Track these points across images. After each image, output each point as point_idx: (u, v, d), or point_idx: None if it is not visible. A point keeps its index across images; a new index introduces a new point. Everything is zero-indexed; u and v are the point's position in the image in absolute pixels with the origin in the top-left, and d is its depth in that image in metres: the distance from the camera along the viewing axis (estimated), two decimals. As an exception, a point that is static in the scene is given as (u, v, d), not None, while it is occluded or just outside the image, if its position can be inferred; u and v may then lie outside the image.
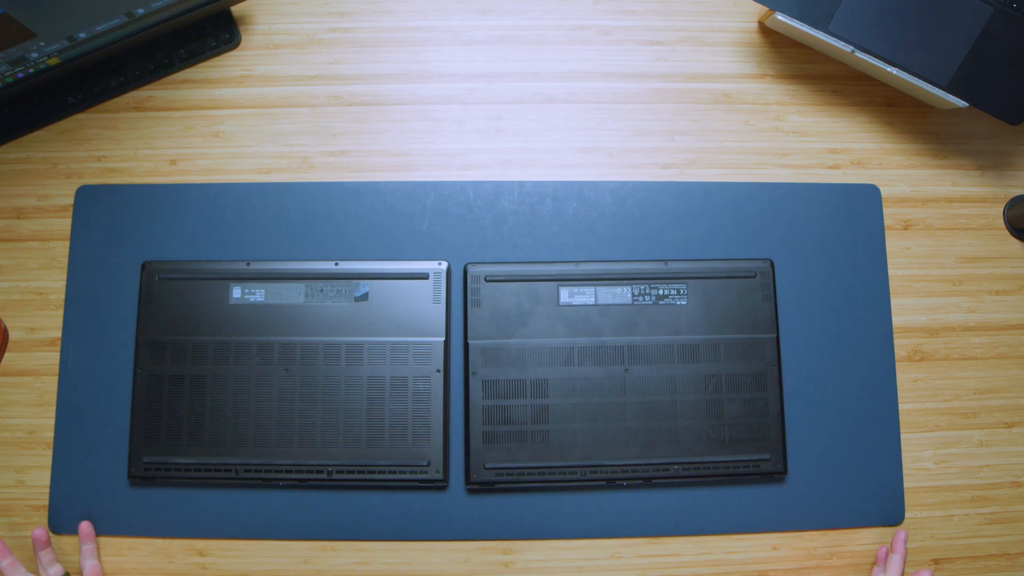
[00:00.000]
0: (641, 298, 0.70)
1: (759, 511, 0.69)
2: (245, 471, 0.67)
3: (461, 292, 0.71)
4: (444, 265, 0.71)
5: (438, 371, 0.69)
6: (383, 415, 0.68)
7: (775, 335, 0.70)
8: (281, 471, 0.67)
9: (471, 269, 0.71)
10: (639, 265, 0.71)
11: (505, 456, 0.68)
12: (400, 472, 0.67)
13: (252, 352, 0.69)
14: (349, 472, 0.67)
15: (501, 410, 0.68)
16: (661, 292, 0.70)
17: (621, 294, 0.70)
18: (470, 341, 0.69)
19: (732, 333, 0.70)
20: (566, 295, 0.70)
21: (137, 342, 0.69)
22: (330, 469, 0.67)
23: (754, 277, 0.71)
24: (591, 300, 0.70)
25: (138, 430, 0.68)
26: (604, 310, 0.70)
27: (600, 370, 0.69)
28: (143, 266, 0.71)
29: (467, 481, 0.68)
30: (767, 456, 0.68)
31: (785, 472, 0.69)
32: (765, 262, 0.72)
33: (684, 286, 0.70)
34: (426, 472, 0.67)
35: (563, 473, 0.68)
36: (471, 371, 0.69)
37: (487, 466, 0.67)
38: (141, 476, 0.67)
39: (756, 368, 0.69)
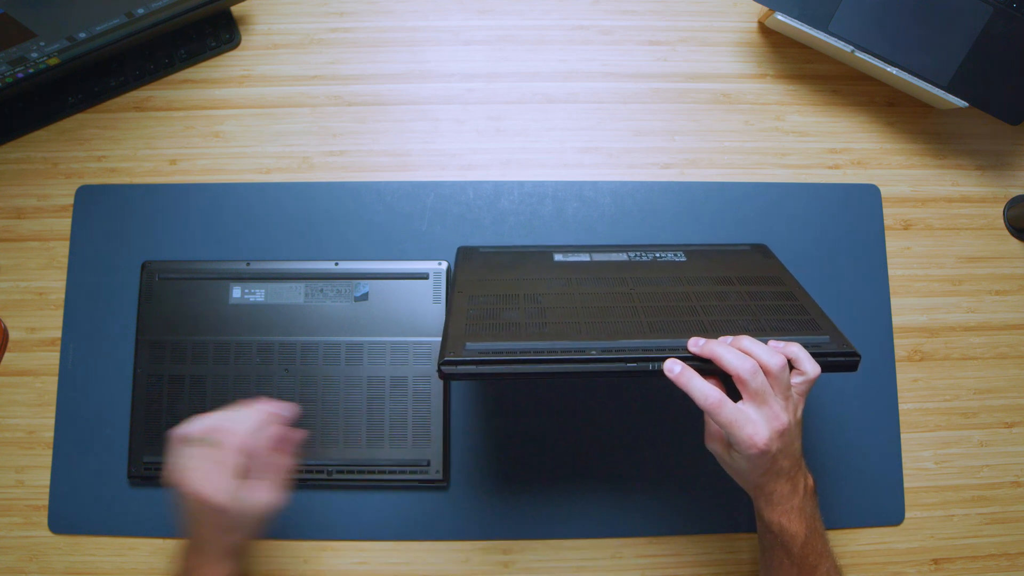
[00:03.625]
0: (637, 258, 0.66)
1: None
2: None
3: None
4: (444, 265, 0.71)
5: None
6: (383, 415, 0.68)
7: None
8: None
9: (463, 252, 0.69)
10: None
11: (492, 338, 0.53)
12: (400, 472, 0.67)
13: (252, 352, 0.69)
14: (349, 472, 0.67)
15: (489, 312, 0.56)
16: (657, 255, 0.67)
17: (616, 256, 0.67)
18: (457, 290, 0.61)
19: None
20: (559, 256, 0.67)
21: (137, 342, 0.69)
22: (330, 469, 0.67)
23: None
24: (586, 258, 0.66)
25: (138, 430, 0.68)
26: (601, 265, 0.65)
27: (600, 288, 0.60)
28: (143, 266, 0.71)
29: (441, 362, 0.51)
30: None
31: None
32: (760, 247, 0.70)
33: (680, 251, 0.68)
34: (426, 472, 0.67)
35: (565, 354, 0.51)
36: (457, 289, 0.60)
37: (469, 346, 0.52)
38: (141, 476, 0.67)
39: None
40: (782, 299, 0.59)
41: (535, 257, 0.68)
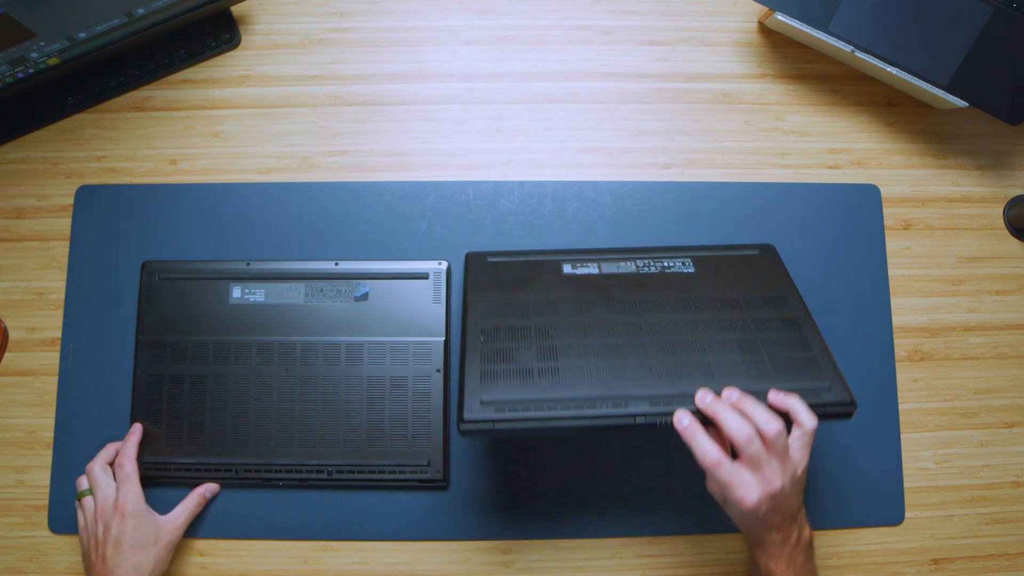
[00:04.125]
0: (646, 268, 0.67)
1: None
2: (245, 471, 0.67)
3: (461, 285, 0.70)
4: (444, 265, 0.71)
5: (438, 371, 0.69)
6: (383, 415, 0.68)
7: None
8: (281, 471, 0.67)
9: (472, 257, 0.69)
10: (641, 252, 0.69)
11: (506, 391, 0.55)
12: (400, 472, 0.67)
13: (252, 352, 0.69)
14: (349, 472, 0.67)
15: (502, 352, 0.58)
16: (666, 264, 0.68)
17: (625, 267, 0.67)
18: (470, 300, 0.63)
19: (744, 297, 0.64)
20: (568, 267, 0.67)
21: (137, 342, 0.69)
22: (330, 469, 0.67)
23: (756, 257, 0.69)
24: (595, 270, 0.67)
25: None
26: (610, 279, 0.66)
27: (612, 318, 0.61)
28: (143, 266, 0.71)
29: (460, 420, 0.54)
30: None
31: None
32: (767, 248, 0.70)
33: (689, 259, 0.68)
34: (426, 472, 0.67)
35: (578, 405, 0.54)
36: (469, 328, 0.61)
37: (484, 400, 0.55)
38: (141, 476, 0.67)
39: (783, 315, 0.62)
40: (787, 329, 0.60)
41: (544, 269, 0.67)
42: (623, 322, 0.60)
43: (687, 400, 0.54)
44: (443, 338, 0.69)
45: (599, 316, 0.61)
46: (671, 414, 0.53)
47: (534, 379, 0.56)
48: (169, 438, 0.68)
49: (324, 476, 0.67)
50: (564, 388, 0.55)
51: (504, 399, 0.54)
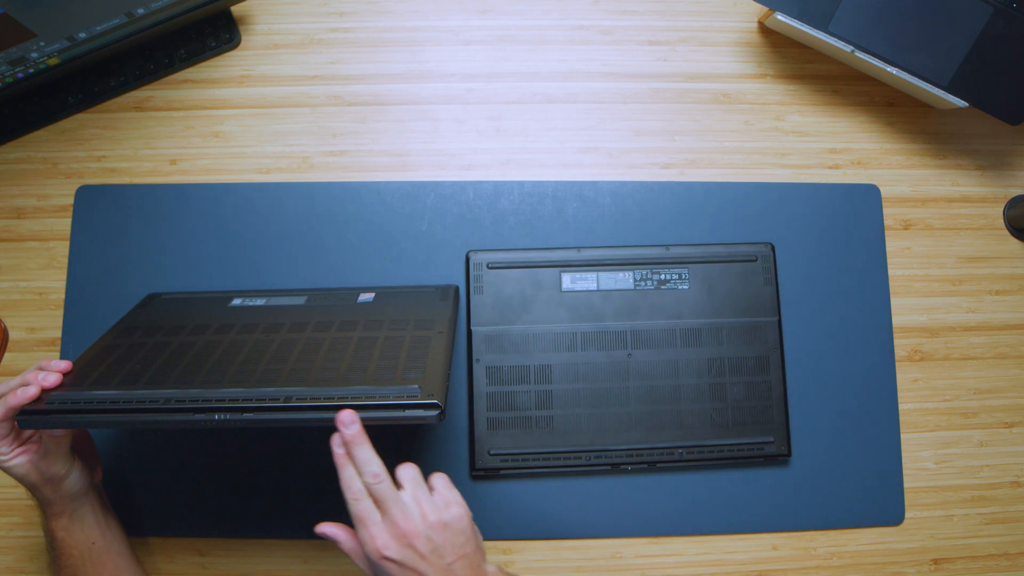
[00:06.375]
0: (643, 283, 0.70)
1: (760, 507, 0.69)
2: (177, 401, 0.51)
3: (464, 294, 0.71)
4: (452, 289, 0.69)
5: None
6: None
7: (777, 318, 0.70)
8: (224, 402, 0.51)
9: (473, 257, 0.71)
10: (641, 250, 0.71)
11: (510, 443, 0.68)
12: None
13: (233, 327, 0.61)
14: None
15: (505, 396, 0.68)
16: (663, 277, 0.70)
17: (623, 279, 0.70)
18: (473, 328, 0.69)
19: (734, 317, 0.70)
20: (568, 281, 0.70)
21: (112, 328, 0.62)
22: (288, 395, 0.52)
23: (755, 261, 0.71)
24: (593, 286, 0.70)
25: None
26: (606, 295, 0.70)
27: (603, 355, 0.69)
28: (147, 297, 0.69)
29: (472, 468, 0.67)
30: (771, 439, 0.68)
31: (789, 455, 0.69)
32: (766, 246, 0.72)
33: (686, 271, 0.71)
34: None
35: (568, 459, 0.68)
36: (475, 358, 0.69)
37: (492, 452, 0.67)
38: (37, 414, 0.51)
39: (758, 351, 0.70)
40: (758, 371, 0.69)
41: (545, 284, 0.70)
42: (612, 360, 0.69)
43: (659, 453, 0.68)
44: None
45: (592, 353, 0.69)
46: (643, 462, 0.68)
47: (532, 428, 0.68)
48: (101, 377, 0.54)
49: (280, 402, 0.51)
50: (557, 439, 0.68)
51: (507, 452, 0.67)
